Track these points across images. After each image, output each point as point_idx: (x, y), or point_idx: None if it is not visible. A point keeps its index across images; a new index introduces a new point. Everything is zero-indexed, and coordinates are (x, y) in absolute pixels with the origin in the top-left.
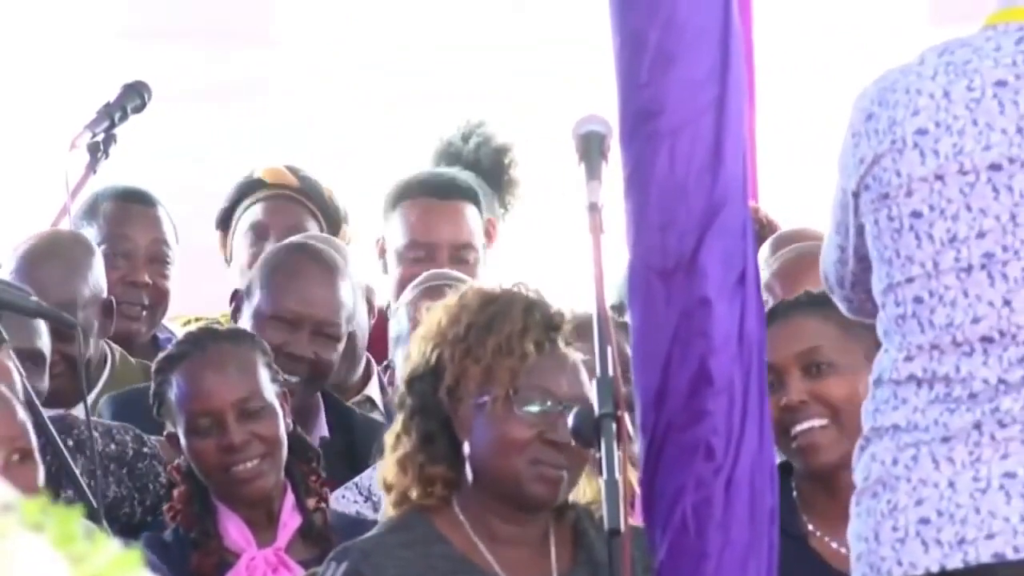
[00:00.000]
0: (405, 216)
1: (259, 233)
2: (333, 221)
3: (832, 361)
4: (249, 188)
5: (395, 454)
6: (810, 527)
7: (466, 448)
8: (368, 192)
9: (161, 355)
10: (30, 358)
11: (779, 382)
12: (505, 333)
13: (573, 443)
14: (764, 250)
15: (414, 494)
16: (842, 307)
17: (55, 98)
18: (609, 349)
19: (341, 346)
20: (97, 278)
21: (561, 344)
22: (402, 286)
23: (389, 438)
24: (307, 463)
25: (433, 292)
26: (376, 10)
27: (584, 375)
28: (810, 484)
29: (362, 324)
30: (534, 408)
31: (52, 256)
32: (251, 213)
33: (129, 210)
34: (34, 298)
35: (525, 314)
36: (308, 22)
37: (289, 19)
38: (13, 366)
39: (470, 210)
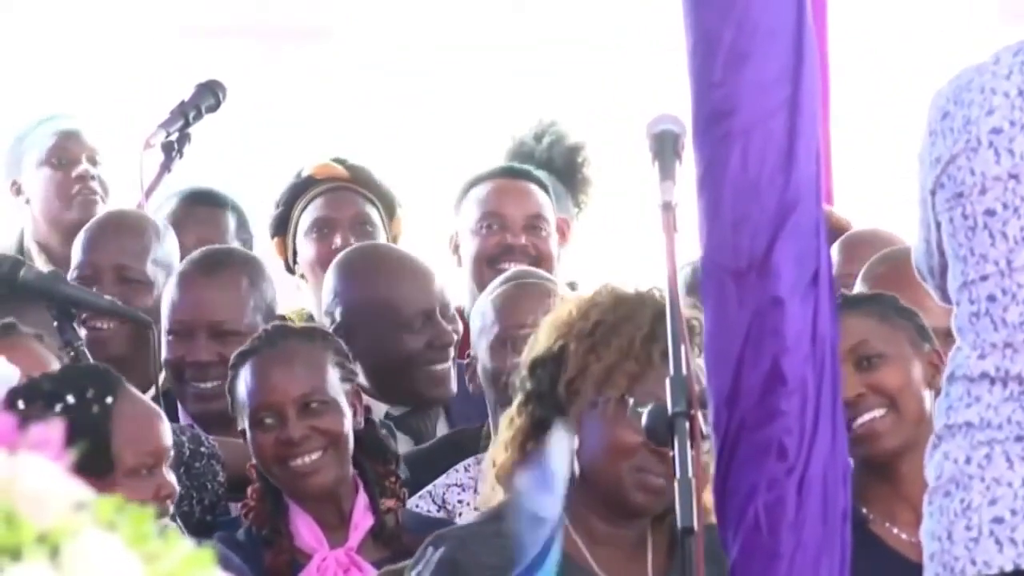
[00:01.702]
0: (476, 196)
1: (325, 228)
2: (388, 205)
3: (881, 352)
4: (301, 188)
5: (506, 434)
6: (868, 515)
7: (575, 443)
8: (423, 185)
9: (235, 352)
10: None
11: None
12: (631, 336)
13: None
14: (833, 250)
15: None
16: (935, 296)
17: (127, 96)
18: (683, 348)
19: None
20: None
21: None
22: (479, 262)
23: (503, 419)
24: (384, 464)
25: (520, 287)
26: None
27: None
28: (866, 473)
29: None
30: (640, 414)
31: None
32: (311, 211)
33: (196, 213)
34: (108, 297)
35: (654, 320)
36: (364, 18)
37: (345, 15)
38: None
39: (540, 192)
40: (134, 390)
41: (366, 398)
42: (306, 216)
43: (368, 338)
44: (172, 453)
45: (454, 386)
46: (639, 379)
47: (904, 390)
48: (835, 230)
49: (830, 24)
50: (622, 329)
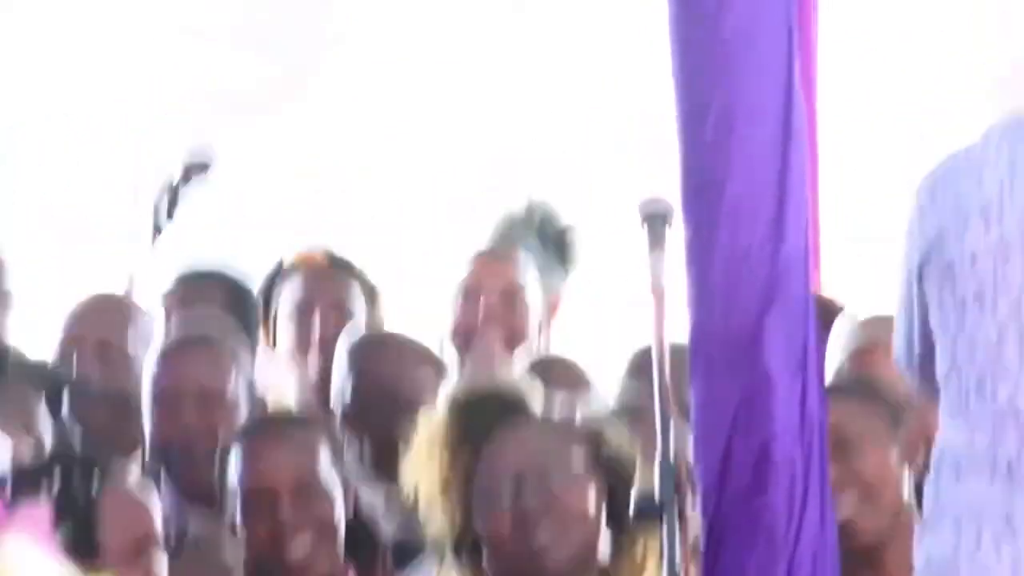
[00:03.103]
0: (459, 275)
1: (303, 310)
2: (369, 293)
3: (858, 438)
4: (281, 273)
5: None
6: None
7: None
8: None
9: (225, 437)
10: None
11: None
12: (438, 450)
13: (552, 502)
14: (840, 333)
15: None
16: (913, 388)
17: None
18: (671, 431)
19: None
20: None
21: (504, 421)
22: (454, 336)
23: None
24: (373, 550)
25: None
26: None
27: (558, 433)
28: (848, 564)
29: None
30: (493, 498)
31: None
32: (288, 296)
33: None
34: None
35: (447, 424)
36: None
37: (348, 21)
38: None
39: (520, 267)
40: (121, 477)
41: (368, 484)
42: (284, 301)
43: (377, 422)
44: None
45: None
46: (469, 475)
47: (880, 479)
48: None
49: (819, 95)
50: (434, 449)
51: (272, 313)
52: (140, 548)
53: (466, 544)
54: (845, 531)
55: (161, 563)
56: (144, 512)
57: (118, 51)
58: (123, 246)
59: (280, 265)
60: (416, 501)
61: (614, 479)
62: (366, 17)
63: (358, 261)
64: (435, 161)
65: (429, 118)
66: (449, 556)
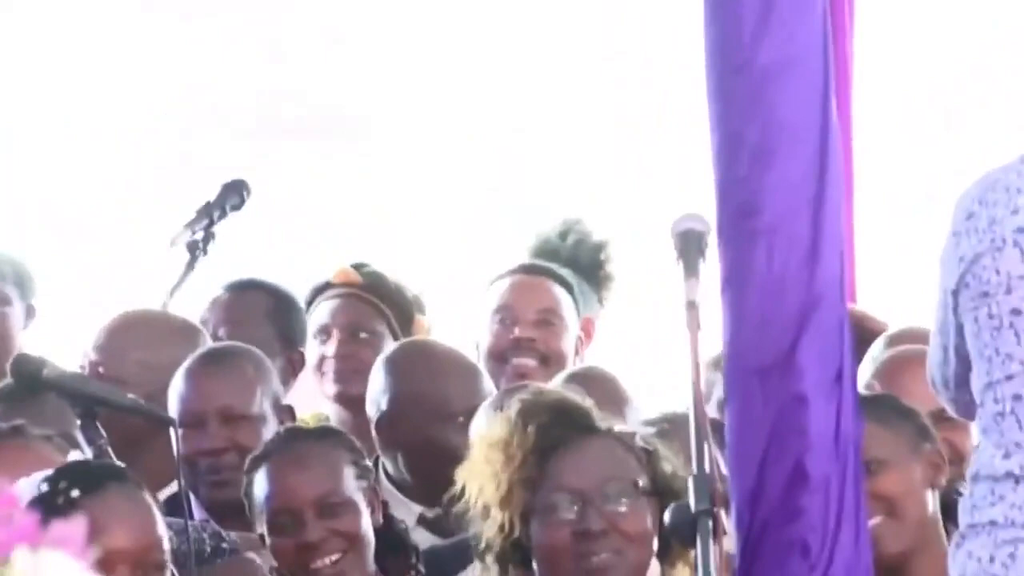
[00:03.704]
0: (493, 292)
1: (323, 334)
2: (403, 312)
3: (881, 457)
4: (318, 292)
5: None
6: None
7: (535, 566)
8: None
9: (250, 456)
10: None
11: None
12: (503, 451)
13: (613, 525)
14: (877, 346)
15: None
16: (949, 408)
17: (154, 175)
18: (706, 446)
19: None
20: None
21: (572, 435)
22: (489, 358)
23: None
24: (404, 559)
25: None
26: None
27: (615, 451)
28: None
29: None
30: (556, 511)
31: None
32: (316, 316)
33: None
34: (131, 396)
35: (516, 426)
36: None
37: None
38: None
39: (557, 288)
40: (129, 490)
41: (402, 498)
42: (312, 321)
43: (411, 431)
44: (159, 556)
45: None
46: (531, 483)
47: (904, 496)
48: (863, 330)
49: (855, 117)
50: (499, 449)
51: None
52: (126, 561)
53: (516, 554)
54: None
55: (167, 571)
56: (136, 525)
57: (118, 51)
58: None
59: (319, 283)
60: (465, 504)
61: (667, 499)
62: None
63: (404, 282)
64: (467, 157)
65: (427, 108)
66: (494, 564)
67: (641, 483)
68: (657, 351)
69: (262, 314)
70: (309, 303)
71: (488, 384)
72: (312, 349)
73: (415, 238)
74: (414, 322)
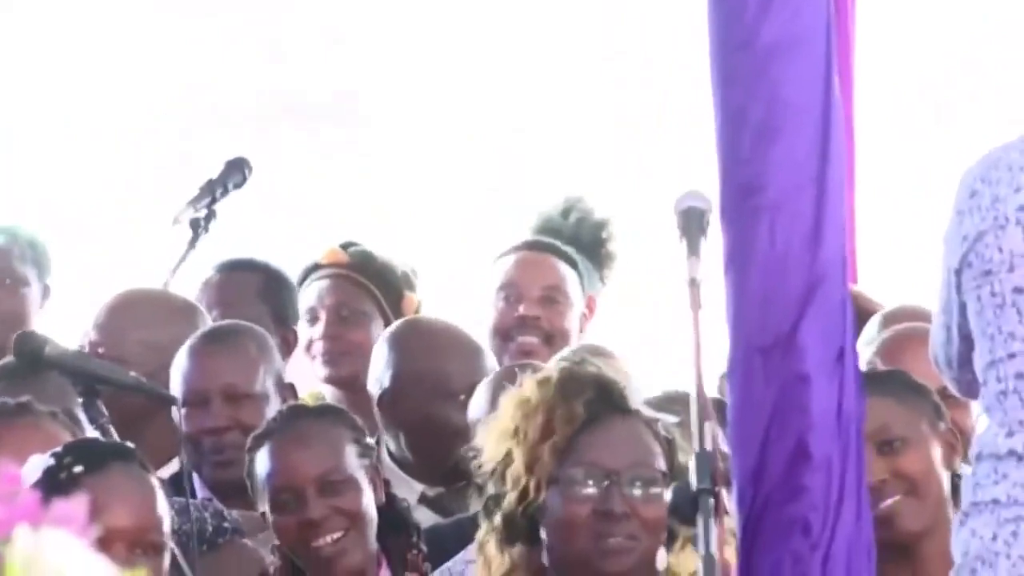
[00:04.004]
0: (498, 270)
1: (311, 318)
2: (392, 290)
3: (903, 436)
4: (307, 273)
5: (480, 550)
6: None
7: (542, 533)
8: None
9: (252, 434)
10: None
11: None
12: (543, 415)
13: (633, 510)
14: (872, 325)
15: None
16: (952, 387)
17: (118, 168)
18: (707, 424)
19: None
20: None
21: (609, 413)
22: (494, 335)
23: (476, 542)
24: (406, 537)
25: (511, 375)
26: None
27: (645, 437)
28: (885, 555)
29: None
30: (582, 485)
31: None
32: (305, 298)
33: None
34: (133, 374)
35: (557, 394)
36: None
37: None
38: None
39: (561, 266)
40: (132, 469)
41: (403, 477)
42: (302, 303)
43: (413, 408)
44: (158, 537)
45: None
46: (562, 452)
47: (926, 475)
48: (864, 310)
49: (856, 98)
50: (536, 411)
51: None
52: (123, 539)
53: (525, 520)
54: (886, 522)
55: (166, 553)
56: (132, 503)
57: (118, 51)
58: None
59: (309, 262)
60: (484, 463)
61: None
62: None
63: (393, 259)
64: (467, 157)
65: (427, 107)
66: (500, 523)
67: (662, 471)
68: (656, 350)
69: (254, 294)
70: (300, 284)
71: (491, 362)
72: (302, 331)
73: (415, 238)
74: (404, 299)
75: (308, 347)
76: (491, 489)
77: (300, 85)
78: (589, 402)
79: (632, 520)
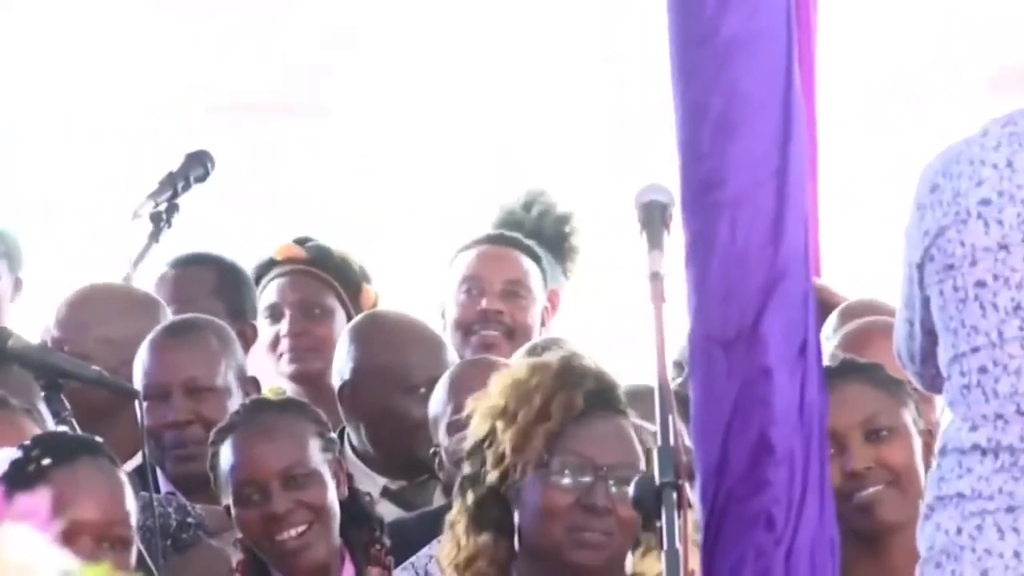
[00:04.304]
0: (459, 263)
1: (274, 315)
2: (351, 284)
3: (891, 426)
4: (264, 269)
5: (452, 531)
6: None
7: (516, 518)
8: (419, 257)
9: (215, 428)
10: None
11: (840, 448)
12: (538, 399)
13: (613, 508)
14: (831, 320)
15: (475, 567)
16: (915, 382)
17: (118, 168)
18: (670, 418)
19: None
20: None
21: (604, 409)
22: (456, 329)
23: (447, 521)
24: (369, 531)
25: (471, 366)
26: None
27: (633, 440)
28: (856, 549)
29: None
30: (569, 475)
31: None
32: (266, 295)
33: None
34: (95, 368)
35: (559, 380)
36: (360, 93)
37: (343, 91)
38: None
39: (524, 259)
40: (100, 463)
41: (366, 471)
42: (263, 300)
43: (373, 402)
44: (125, 531)
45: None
46: (552, 437)
47: (908, 468)
48: (827, 304)
49: (818, 92)
50: (530, 395)
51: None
52: (108, 528)
53: (498, 504)
54: (867, 510)
55: (133, 548)
56: (98, 497)
57: (118, 51)
58: (116, 240)
59: (262, 261)
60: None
61: None
62: (367, 12)
63: (349, 253)
64: (432, 149)
65: (427, 107)
66: (472, 503)
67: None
68: (622, 324)
69: (208, 289)
70: (256, 281)
71: (451, 355)
72: (263, 328)
73: (415, 238)
74: (362, 292)
75: (273, 344)
76: (467, 468)
77: (300, 85)
78: (588, 394)
79: (611, 517)
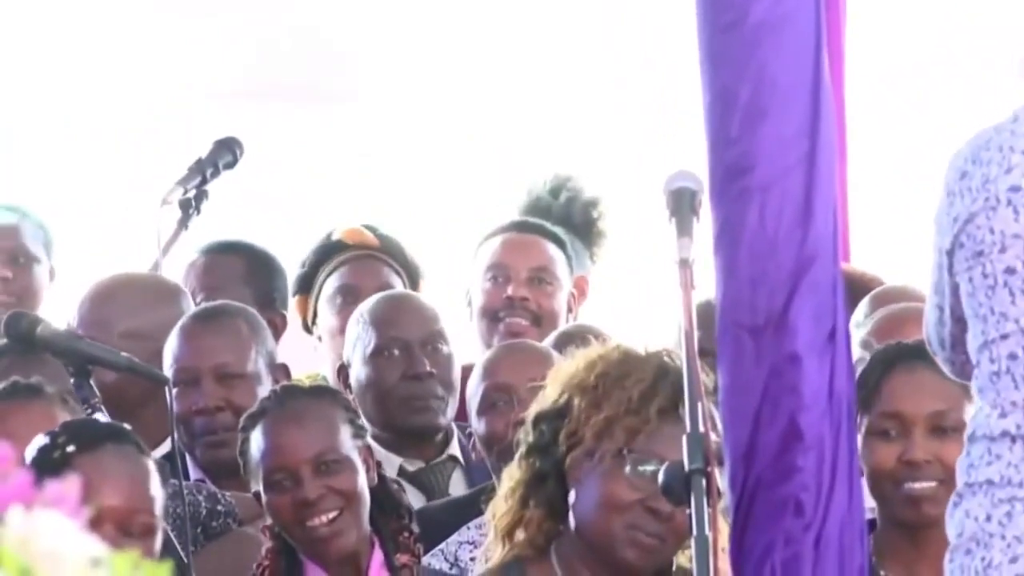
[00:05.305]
0: (486, 250)
1: (349, 296)
2: (412, 275)
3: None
4: (329, 251)
5: (507, 488)
6: (886, 573)
7: (572, 496)
8: (446, 247)
9: (245, 414)
10: None
11: (903, 433)
12: (633, 391)
13: (674, 513)
14: (862, 306)
15: (516, 535)
16: (945, 369)
17: (147, 155)
18: (700, 405)
19: None
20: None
21: (678, 413)
22: (482, 316)
23: (505, 473)
24: (398, 519)
25: (508, 350)
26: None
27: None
28: (896, 534)
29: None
30: (643, 474)
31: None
32: (336, 276)
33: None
34: (125, 354)
35: (657, 377)
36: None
37: (343, 90)
38: None
39: (550, 247)
40: (126, 451)
41: (382, 452)
42: (332, 280)
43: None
44: (149, 519)
45: (442, 418)
46: (638, 434)
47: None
48: (863, 286)
49: (847, 79)
50: (624, 383)
51: (316, 289)
52: (131, 515)
53: (557, 476)
54: (917, 503)
55: (157, 535)
56: (122, 484)
57: (118, 51)
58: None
59: (329, 239)
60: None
61: None
62: (367, 13)
63: (402, 240)
64: (432, 149)
65: (427, 107)
66: (528, 467)
67: None
68: (651, 310)
69: (238, 277)
70: (318, 261)
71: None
72: (331, 308)
73: (415, 237)
74: (419, 286)
75: (341, 327)
76: (532, 435)
77: (300, 85)
78: (674, 395)
79: (670, 523)
